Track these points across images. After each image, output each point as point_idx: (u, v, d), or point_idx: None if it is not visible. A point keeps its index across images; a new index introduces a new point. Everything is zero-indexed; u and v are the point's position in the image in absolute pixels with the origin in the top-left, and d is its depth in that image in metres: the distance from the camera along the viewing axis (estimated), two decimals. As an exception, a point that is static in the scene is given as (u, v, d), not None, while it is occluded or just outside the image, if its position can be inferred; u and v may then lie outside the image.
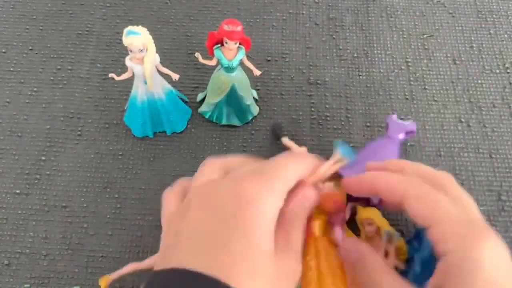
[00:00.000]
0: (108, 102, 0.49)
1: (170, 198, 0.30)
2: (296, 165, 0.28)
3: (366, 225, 0.38)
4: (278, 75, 0.51)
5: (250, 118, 0.48)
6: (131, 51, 0.39)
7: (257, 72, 0.44)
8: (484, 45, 0.54)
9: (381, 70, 0.52)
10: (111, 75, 0.42)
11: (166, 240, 0.27)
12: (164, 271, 0.23)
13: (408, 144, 0.47)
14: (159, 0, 0.56)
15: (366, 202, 0.38)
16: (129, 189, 0.44)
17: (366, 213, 0.38)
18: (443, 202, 0.26)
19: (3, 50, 0.52)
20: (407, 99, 0.50)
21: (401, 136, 0.40)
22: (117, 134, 0.47)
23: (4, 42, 0.53)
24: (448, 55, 0.53)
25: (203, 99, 0.48)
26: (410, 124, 0.41)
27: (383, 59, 0.53)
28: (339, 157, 0.33)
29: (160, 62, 0.42)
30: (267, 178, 0.26)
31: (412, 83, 0.51)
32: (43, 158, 0.46)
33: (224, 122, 0.47)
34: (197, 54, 0.43)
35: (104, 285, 0.37)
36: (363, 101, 0.50)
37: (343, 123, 0.48)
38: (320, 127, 0.48)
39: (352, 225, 0.39)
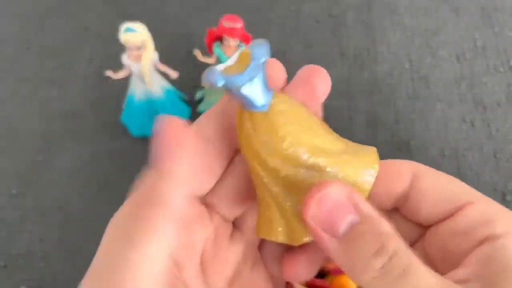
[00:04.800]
0: (105, 101, 0.48)
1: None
2: None
3: None
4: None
5: (250, 117, 0.47)
6: (128, 48, 0.39)
7: (257, 70, 0.43)
8: (488, 43, 0.53)
9: (384, 68, 0.51)
10: (108, 73, 0.42)
11: None
12: None
13: (411, 144, 0.46)
14: (158, -3, 0.56)
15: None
16: (127, 190, 0.44)
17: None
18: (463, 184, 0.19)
19: (-1, 48, 0.52)
20: (410, 98, 0.49)
21: None
22: (115, 134, 0.46)
23: (0, 40, 0.52)
24: (452, 53, 0.52)
25: (202, 98, 0.47)
26: None
27: (386, 57, 0.52)
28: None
29: (159, 60, 0.41)
30: None
31: (415, 81, 0.50)
32: (40, 158, 0.45)
33: (223, 121, 0.47)
34: (196, 52, 0.43)
35: None
36: (365, 100, 0.49)
37: (345, 122, 0.48)
38: (322, 126, 0.47)
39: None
